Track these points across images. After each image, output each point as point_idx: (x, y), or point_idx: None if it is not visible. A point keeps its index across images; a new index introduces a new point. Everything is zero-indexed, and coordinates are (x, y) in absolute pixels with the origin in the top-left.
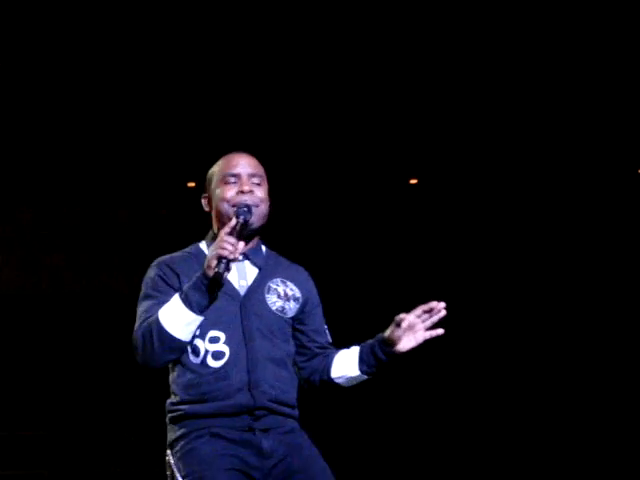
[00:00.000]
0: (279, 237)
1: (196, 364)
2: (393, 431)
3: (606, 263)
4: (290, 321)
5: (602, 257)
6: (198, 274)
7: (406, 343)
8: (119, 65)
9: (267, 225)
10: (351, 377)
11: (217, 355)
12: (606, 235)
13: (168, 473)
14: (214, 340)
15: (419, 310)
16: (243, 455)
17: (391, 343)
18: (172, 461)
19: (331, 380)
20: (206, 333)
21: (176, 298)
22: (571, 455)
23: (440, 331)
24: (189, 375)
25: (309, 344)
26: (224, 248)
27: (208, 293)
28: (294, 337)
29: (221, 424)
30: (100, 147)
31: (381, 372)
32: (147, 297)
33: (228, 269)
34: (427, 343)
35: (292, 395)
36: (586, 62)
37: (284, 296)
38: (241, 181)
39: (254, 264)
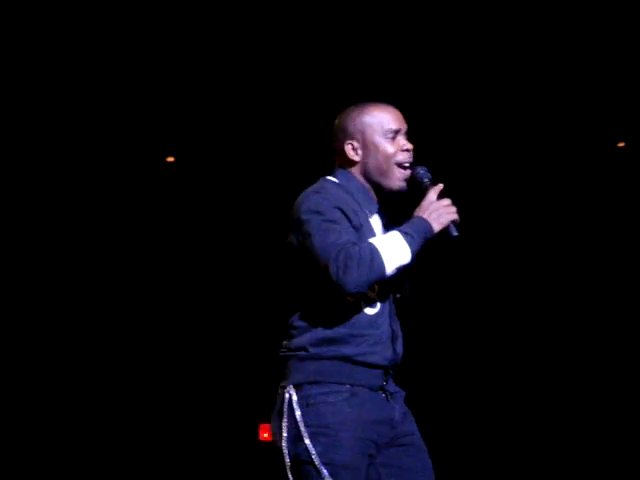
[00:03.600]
0: None
1: (349, 305)
2: None
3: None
4: None
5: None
6: (422, 222)
7: None
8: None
9: None
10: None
11: (371, 302)
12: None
13: (285, 409)
14: (371, 288)
15: None
16: (379, 431)
17: None
18: (296, 404)
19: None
20: None
21: (399, 237)
22: (571, 455)
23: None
24: (341, 314)
25: None
26: (455, 212)
27: None
28: None
29: (361, 379)
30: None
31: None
32: (332, 222)
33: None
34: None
35: None
36: None
37: None
38: (402, 137)
39: (381, 217)
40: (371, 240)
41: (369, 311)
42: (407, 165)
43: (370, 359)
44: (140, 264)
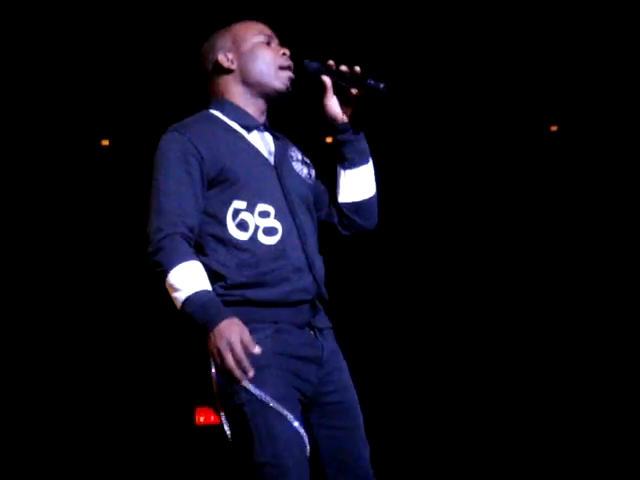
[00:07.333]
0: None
1: (245, 241)
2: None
3: None
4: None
5: None
6: (207, 316)
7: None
8: None
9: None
10: (346, 183)
11: (269, 231)
12: None
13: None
14: (264, 214)
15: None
16: (305, 369)
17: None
18: None
19: (340, 205)
20: (255, 206)
21: (197, 289)
22: (571, 455)
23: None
24: (241, 254)
25: (323, 203)
26: (234, 369)
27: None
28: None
29: (284, 318)
30: None
31: (358, 155)
32: (176, 180)
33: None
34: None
35: None
36: None
37: (304, 162)
38: (276, 44)
39: (271, 133)
40: (190, 262)
41: (268, 241)
42: (287, 67)
43: (290, 297)
44: (74, 248)
